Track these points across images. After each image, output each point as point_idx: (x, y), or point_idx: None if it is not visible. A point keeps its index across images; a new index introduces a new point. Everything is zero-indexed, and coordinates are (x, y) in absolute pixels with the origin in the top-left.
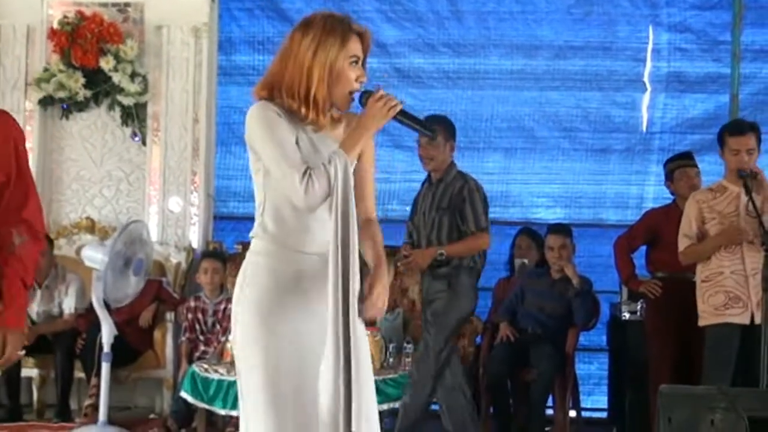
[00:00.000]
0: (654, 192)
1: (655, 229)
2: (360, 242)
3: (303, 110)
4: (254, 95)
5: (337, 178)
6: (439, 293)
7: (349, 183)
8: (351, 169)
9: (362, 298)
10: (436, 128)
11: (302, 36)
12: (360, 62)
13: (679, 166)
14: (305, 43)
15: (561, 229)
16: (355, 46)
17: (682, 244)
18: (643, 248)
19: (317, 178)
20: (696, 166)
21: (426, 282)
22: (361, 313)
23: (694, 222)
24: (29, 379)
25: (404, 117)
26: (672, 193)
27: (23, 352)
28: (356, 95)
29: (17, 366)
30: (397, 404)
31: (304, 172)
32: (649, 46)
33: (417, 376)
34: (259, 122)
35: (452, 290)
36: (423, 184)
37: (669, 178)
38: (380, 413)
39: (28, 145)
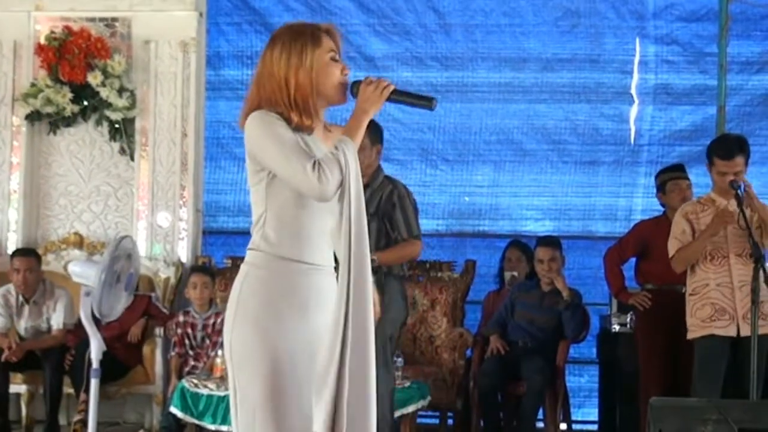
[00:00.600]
0: (643, 204)
1: (645, 241)
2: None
3: (290, 115)
4: (240, 127)
5: (348, 164)
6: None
7: (359, 170)
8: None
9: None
10: (435, 98)
11: (271, 51)
12: (338, 56)
13: (671, 178)
14: (275, 56)
15: (551, 241)
16: (328, 42)
17: (673, 247)
18: (633, 260)
19: (328, 166)
20: (688, 178)
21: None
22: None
23: (687, 227)
24: (18, 395)
25: (399, 95)
26: (662, 205)
27: None
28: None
29: (6, 382)
30: None
31: (314, 163)
32: (636, 59)
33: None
34: (259, 126)
35: (382, 299)
36: None
37: (661, 189)
38: None
39: (15, 160)
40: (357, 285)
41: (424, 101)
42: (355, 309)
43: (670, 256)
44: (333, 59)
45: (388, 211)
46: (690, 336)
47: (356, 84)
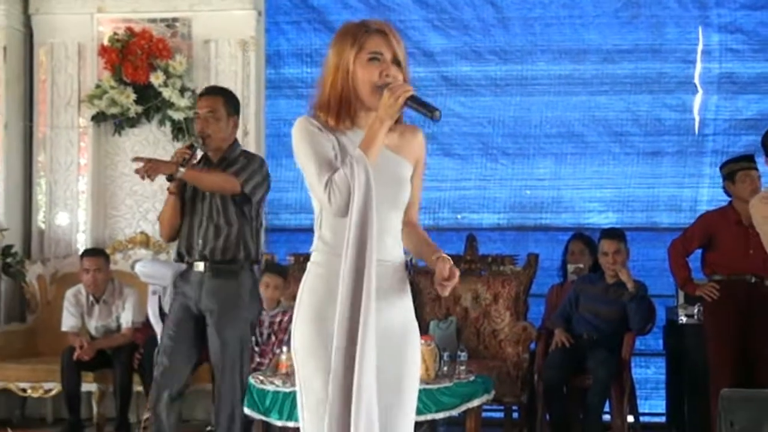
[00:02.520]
0: (708, 194)
1: (711, 232)
2: (414, 241)
3: (326, 118)
4: None
5: (356, 181)
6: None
7: (369, 184)
8: (370, 169)
9: (441, 281)
10: (440, 110)
11: (329, 53)
12: (384, 58)
13: (741, 168)
14: (329, 58)
15: (615, 233)
16: (374, 43)
17: None
18: (699, 251)
19: (338, 186)
20: (757, 168)
21: (211, 280)
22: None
23: None
24: (89, 394)
25: (414, 102)
26: (729, 195)
27: None
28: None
29: (77, 381)
30: (454, 412)
31: (327, 181)
32: (699, 48)
33: None
34: (295, 133)
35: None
36: (199, 165)
37: (729, 179)
38: (435, 422)
39: (83, 161)
40: (355, 292)
41: (431, 111)
42: (349, 316)
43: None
44: (373, 59)
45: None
46: None
47: (380, 89)
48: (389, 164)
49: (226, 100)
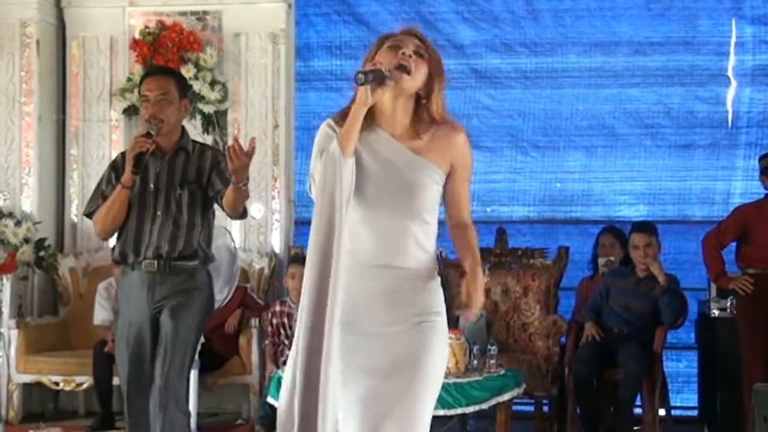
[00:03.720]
0: (742, 187)
1: (746, 225)
2: (456, 246)
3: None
4: None
5: (320, 175)
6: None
7: (336, 177)
8: (344, 162)
9: (460, 305)
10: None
11: None
12: (406, 45)
13: None
14: None
15: (646, 227)
16: (398, 37)
17: None
18: (732, 244)
19: (312, 177)
20: None
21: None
22: (457, 316)
23: None
24: (120, 387)
25: (370, 76)
26: (765, 188)
27: None
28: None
29: (109, 374)
30: (484, 406)
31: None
32: (732, 40)
33: None
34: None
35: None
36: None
37: (765, 173)
38: (466, 415)
39: (114, 154)
40: (319, 288)
41: (381, 74)
42: (313, 312)
43: None
44: (392, 47)
45: (214, 178)
46: None
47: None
48: (404, 168)
49: (177, 80)
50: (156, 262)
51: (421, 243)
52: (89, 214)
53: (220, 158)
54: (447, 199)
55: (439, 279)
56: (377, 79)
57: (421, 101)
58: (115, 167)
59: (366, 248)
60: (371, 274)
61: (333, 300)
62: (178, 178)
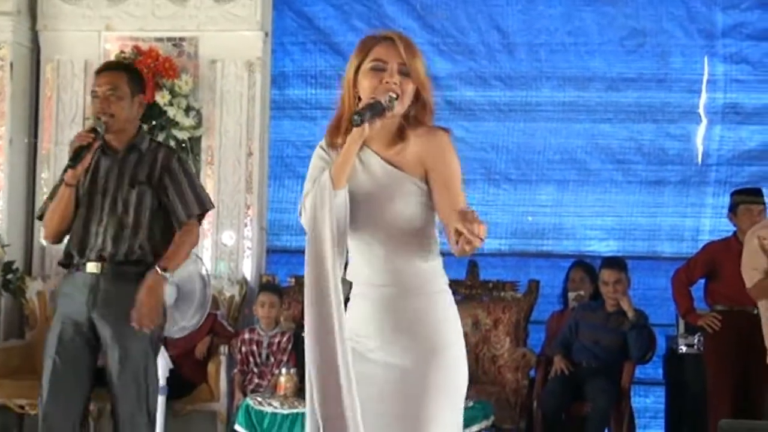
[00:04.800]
0: (711, 224)
1: (715, 262)
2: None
3: (331, 138)
4: None
5: (310, 206)
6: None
7: (326, 210)
8: (334, 195)
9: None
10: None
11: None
12: (389, 66)
13: (744, 202)
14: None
15: (616, 263)
16: (379, 51)
17: (751, 278)
18: (701, 281)
19: (304, 206)
20: (762, 203)
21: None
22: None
23: (762, 255)
24: (87, 413)
25: (371, 111)
26: (734, 225)
27: None
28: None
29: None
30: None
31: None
32: (704, 78)
33: None
34: None
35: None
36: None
37: (732, 210)
38: None
39: None
40: (318, 315)
41: (381, 106)
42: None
43: (747, 287)
44: (375, 68)
45: (165, 180)
46: None
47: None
48: (382, 181)
49: (129, 76)
50: (99, 264)
51: (415, 257)
52: (39, 218)
53: (174, 162)
54: (440, 214)
55: (448, 295)
56: (376, 113)
57: (408, 112)
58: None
59: (362, 268)
60: (372, 294)
61: (338, 326)
62: (127, 178)
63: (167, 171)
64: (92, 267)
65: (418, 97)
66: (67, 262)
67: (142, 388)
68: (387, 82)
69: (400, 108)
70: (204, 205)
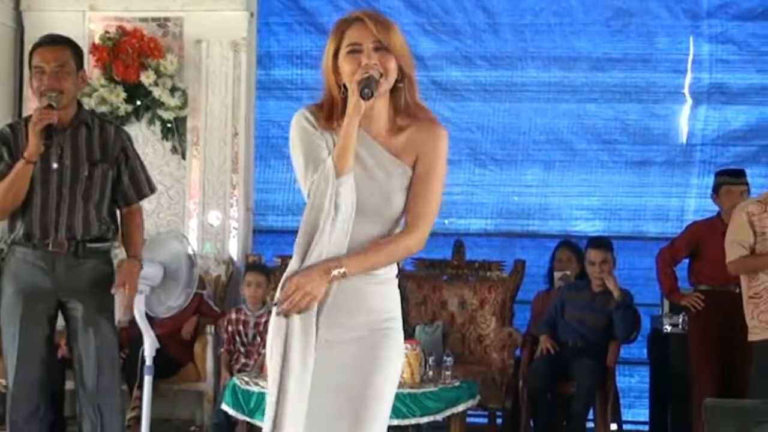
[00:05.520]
0: (695, 204)
1: (698, 242)
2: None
3: (320, 114)
4: None
5: (313, 192)
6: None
7: (328, 200)
8: (338, 183)
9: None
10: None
11: None
12: (365, 47)
13: (725, 183)
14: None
15: (602, 243)
16: (353, 33)
17: (735, 252)
18: (686, 261)
19: (313, 192)
20: (745, 184)
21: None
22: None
23: (749, 230)
24: (72, 392)
25: (372, 86)
26: (717, 206)
27: None
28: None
29: (61, 379)
30: (438, 417)
31: (309, 186)
32: (690, 58)
33: None
34: (291, 130)
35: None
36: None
37: (715, 191)
38: (420, 426)
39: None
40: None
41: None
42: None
43: (728, 260)
44: (352, 52)
45: (121, 160)
46: (752, 338)
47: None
48: (378, 168)
49: (73, 51)
50: (67, 243)
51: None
52: None
53: (129, 143)
54: (407, 199)
55: (397, 282)
56: (375, 88)
57: (397, 88)
58: (6, 142)
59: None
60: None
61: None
62: (84, 155)
63: (123, 151)
64: (58, 245)
65: (402, 72)
66: (27, 240)
67: (116, 361)
68: (366, 64)
69: (386, 85)
70: (152, 188)
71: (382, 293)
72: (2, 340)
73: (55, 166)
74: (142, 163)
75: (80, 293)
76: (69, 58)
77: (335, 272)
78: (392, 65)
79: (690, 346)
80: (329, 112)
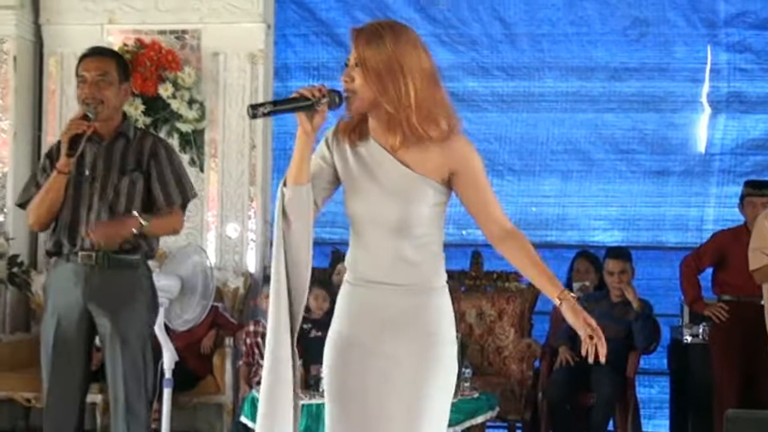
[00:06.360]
0: (715, 214)
1: (723, 251)
2: (516, 260)
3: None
4: None
5: (280, 202)
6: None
7: (281, 207)
8: (286, 190)
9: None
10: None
11: None
12: (351, 62)
13: (749, 194)
14: None
15: (621, 253)
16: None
17: (758, 260)
18: (709, 271)
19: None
20: (766, 195)
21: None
22: None
23: None
24: (93, 405)
25: (283, 105)
26: (742, 216)
27: None
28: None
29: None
30: (458, 428)
31: None
32: (708, 67)
33: None
34: None
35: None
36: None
37: (741, 200)
38: None
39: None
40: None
41: (309, 101)
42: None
43: (751, 268)
44: (345, 67)
45: (150, 167)
46: None
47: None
48: (394, 181)
49: (117, 62)
50: (94, 254)
51: (411, 259)
52: (22, 205)
53: (161, 150)
54: (471, 212)
55: (445, 298)
56: (297, 108)
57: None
58: (50, 155)
59: (360, 264)
60: (368, 291)
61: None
62: (116, 165)
63: (153, 157)
64: (85, 257)
65: (386, 93)
66: (57, 251)
67: (141, 376)
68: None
69: (359, 102)
70: (186, 195)
71: (436, 304)
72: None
73: (87, 175)
74: (176, 170)
75: (109, 306)
76: (112, 68)
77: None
78: (357, 83)
79: (712, 356)
80: (344, 129)
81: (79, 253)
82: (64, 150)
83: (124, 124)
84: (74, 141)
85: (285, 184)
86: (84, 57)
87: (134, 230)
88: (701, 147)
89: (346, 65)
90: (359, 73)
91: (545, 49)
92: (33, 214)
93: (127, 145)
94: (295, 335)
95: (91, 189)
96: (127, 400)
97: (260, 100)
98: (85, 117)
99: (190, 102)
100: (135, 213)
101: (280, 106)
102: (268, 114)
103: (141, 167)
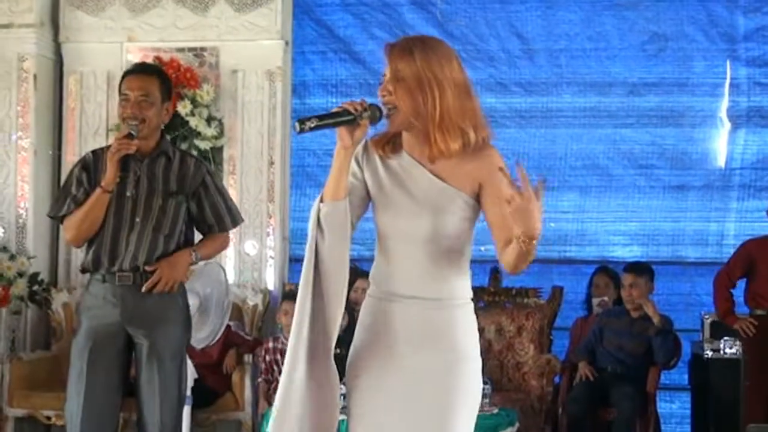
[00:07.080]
0: (735, 228)
1: (752, 260)
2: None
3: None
4: None
5: (314, 217)
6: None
7: (317, 223)
8: (322, 205)
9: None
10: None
11: None
12: (386, 78)
13: None
14: None
15: (632, 267)
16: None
17: None
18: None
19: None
20: None
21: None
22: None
23: None
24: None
25: (326, 120)
26: None
27: None
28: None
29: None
30: None
31: None
32: (727, 81)
33: None
34: None
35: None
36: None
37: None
38: None
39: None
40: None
41: (345, 117)
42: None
43: None
44: (381, 82)
45: (201, 195)
46: None
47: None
48: (424, 193)
49: (161, 81)
50: (132, 275)
51: (439, 273)
52: (57, 217)
53: (207, 177)
54: (489, 225)
55: (471, 313)
56: (339, 122)
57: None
58: (87, 168)
59: (387, 278)
60: (394, 305)
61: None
62: (159, 185)
63: (203, 186)
64: (123, 278)
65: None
66: (95, 268)
67: (175, 398)
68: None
69: (399, 116)
70: (236, 220)
71: (462, 320)
72: (69, 376)
73: (129, 194)
74: (224, 196)
75: (145, 326)
76: (155, 88)
77: None
78: (399, 95)
79: (744, 370)
80: (376, 143)
81: (117, 274)
82: (113, 170)
83: (163, 142)
84: (124, 162)
85: (322, 200)
86: (128, 74)
87: (190, 260)
88: (721, 162)
89: (381, 82)
90: (395, 86)
91: (563, 64)
92: (73, 231)
93: (168, 164)
94: (331, 354)
95: (133, 207)
96: (162, 421)
97: (278, 117)
98: (129, 136)
99: (209, 119)
100: (188, 249)
101: (325, 120)
102: (315, 128)
103: (184, 190)
